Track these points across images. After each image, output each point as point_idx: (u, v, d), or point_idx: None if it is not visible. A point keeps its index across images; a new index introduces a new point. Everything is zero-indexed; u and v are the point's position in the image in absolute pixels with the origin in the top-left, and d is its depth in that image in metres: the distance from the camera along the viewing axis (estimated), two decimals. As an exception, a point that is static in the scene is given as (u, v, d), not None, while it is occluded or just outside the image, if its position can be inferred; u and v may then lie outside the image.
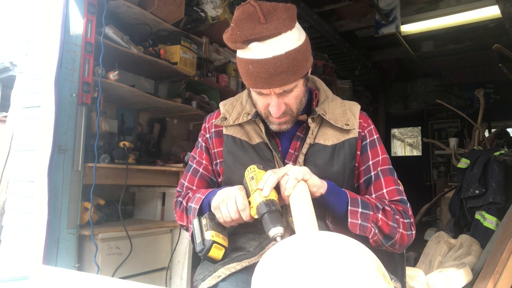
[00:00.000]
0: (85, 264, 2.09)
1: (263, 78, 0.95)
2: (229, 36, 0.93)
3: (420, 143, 9.12)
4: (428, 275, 2.20)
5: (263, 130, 1.10)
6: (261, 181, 0.93)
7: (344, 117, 1.11)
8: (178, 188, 1.23)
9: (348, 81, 5.55)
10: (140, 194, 2.76)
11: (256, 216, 0.93)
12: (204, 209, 1.07)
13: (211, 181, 1.20)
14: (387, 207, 1.02)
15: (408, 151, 12.52)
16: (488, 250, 2.38)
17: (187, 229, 1.16)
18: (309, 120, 1.09)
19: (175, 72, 2.81)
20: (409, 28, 4.69)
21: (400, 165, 3.69)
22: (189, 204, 1.11)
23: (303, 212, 0.87)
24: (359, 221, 0.97)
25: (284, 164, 1.08)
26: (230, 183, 1.09)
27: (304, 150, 1.08)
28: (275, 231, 0.87)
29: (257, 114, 1.10)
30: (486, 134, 5.04)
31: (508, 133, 5.38)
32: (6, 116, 3.06)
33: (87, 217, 2.07)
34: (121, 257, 2.19)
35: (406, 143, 12.40)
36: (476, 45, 5.65)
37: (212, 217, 1.01)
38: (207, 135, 1.19)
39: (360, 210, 0.98)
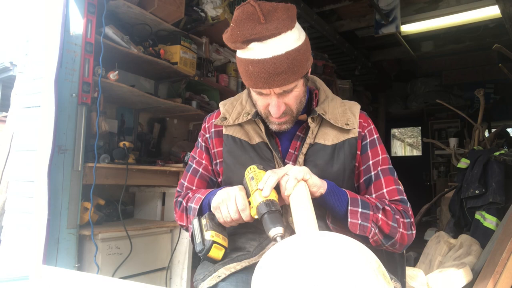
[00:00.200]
0: (85, 264, 2.09)
1: (263, 78, 0.95)
2: (229, 36, 0.93)
3: (420, 143, 9.11)
4: (428, 275, 2.19)
5: (263, 130, 1.10)
6: (261, 181, 0.93)
7: (344, 117, 1.11)
8: (178, 188, 1.23)
9: (348, 81, 5.53)
10: (140, 194, 2.77)
11: (256, 216, 0.93)
12: (204, 209, 1.07)
13: (211, 181, 1.20)
14: (387, 207, 1.02)
15: (408, 151, 12.51)
16: (488, 250, 2.38)
17: (187, 229, 1.16)
18: (309, 120, 1.09)
19: (175, 72, 2.81)
20: (409, 28, 4.69)
21: (400, 165, 3.67)
22: (189, 204, 1.11)
23: (303, 212, 0.87)
24: (359, 221, 0.97)
25: (284, 164, 1.08)
26: (230, 183, 1.09)
27: (304, 150, 1.08)
28: (275, 231, 0.87)
29: (257, 114, 1.10)
30: (486, 134, 5.03)
31: (508, 133, 5.38)
32: (6, 116, 3.05)
33: (87, 217, 2.07)
34: (121, 257, 2.19)
35: (406, 143, 12.39)
36: (476, 45, 5.65)
37: (212, 217, 1.01)
38: (207, 135, 1.19)
39: (360, 210, 0.98)
